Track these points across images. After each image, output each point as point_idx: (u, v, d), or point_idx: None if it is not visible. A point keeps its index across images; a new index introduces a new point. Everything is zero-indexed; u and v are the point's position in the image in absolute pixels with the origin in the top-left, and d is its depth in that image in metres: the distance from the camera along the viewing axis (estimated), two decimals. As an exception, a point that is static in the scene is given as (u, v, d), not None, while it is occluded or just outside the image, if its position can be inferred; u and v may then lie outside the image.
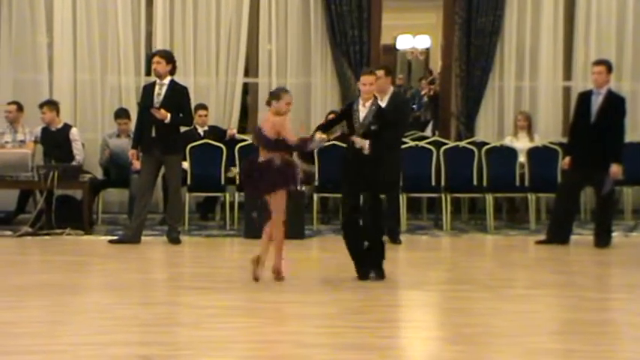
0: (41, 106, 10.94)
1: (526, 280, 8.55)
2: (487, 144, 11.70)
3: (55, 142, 10.87)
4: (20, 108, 11.04)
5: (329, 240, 10.44)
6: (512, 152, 11.46)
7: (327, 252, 9.86)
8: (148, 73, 11.60)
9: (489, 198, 11.17)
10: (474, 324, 6.69)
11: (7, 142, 10.93)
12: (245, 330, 6.47)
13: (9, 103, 11.08)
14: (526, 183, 11.45)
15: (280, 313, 7.03)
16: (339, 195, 11.27)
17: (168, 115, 9.70)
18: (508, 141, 11.84)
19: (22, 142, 10.95)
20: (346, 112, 8.11)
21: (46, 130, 10.92)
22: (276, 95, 7.97)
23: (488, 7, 12.22)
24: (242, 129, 12.65)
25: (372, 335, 6.28)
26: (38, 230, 10.32)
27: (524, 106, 12.36)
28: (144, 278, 8.57)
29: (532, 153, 11.50)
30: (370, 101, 7.96)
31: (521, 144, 11.65)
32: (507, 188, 11.40)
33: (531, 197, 11.26)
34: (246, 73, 12.47)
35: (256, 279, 7.88)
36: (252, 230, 10.23)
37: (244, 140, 11.62)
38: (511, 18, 12.40)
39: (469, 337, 6.29)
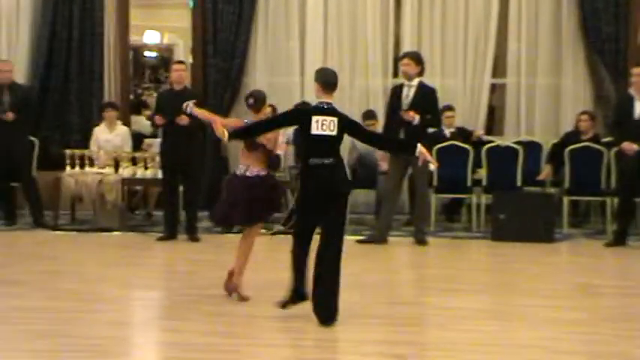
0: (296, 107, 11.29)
1: None
2: None
3: (306, 144, 11.16)
4: (274, 110, 11.42)
5: (580, 244, 10.07)
6: None
7: (578, 256, 9.51)
8: (395, 74, 11.69)
9: None
10: None
11: (261, 144, 11.34)
12: (495, 333, 6.34)
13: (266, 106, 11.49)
14: None
15: (531, 318, 6.82)
16: (590, 197, 10.94)
17: (417, 116, 9.72)
18: None
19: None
20: None
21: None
22: (263, 100, 7.41)
23: None
24: (489, 130, 12.46)
25: (632, 345, 5.97)
26: (290, 229, 10.61)
27: None
28: (390, 278, 8.62)
29: None
30: None
31: None
32: None
33: None
34: (494, 74, 12.27)
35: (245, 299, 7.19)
36: (500, 232, 10.07)
37: (491, 142, 11.44)
38: None
39: None
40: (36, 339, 6.06)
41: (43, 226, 10.82)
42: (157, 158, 10.57)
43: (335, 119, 6.43)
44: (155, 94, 13.13)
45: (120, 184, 10.70)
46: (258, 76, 12.21)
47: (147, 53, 16.71)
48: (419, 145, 6.64)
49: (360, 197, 11.88)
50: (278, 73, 12.31)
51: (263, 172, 7.10)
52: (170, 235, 10.08)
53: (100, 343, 5.99)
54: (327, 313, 6.38)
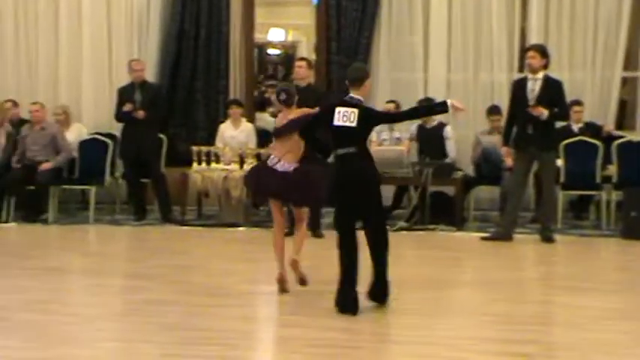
0: (419, 103, 11.20)
1: None
2: None
3: (430, 140, 11.10)
4: (398, 107, 11.39)
5: None
6: None
7: None
8: (520, 69, 11.47)
9: None
10: None
11: (384, 140, 11.34)
12: (627, 335, 6.13)
13: (387, 102, 11.48)
14: None
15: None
16: None
17: (546, 112, 9.51)
18: None
19: (399, 139, 11.30)
20: None
21: (421, 128, 11.18)
22: (294, 95, 7.50)
23: None
24: (619, 125, 12.08)
25: None
26: (413, 225, 10.60)
27: None
28: (516, 276, 8.47)
29: None
30: None
31: None
32: None
33: None
34: (625, 67, 11.89)
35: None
36: (631, 230, 9.79)
37: (622, 137, 11.10)
38: None
39: None
40: (165, 331, 6.21)
41: (172, 221, 11.09)
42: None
43: (356, 111, 6.64)
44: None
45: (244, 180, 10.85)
46: (381, 73, 12.18)
47: (270, 51, 16.91)
48: (448, 100, 6.87)
49: (484, 193, 11.71)
50: (401, 69, 12.24)
51: (294, 165, 7.20)
52: (293, 231, 10.15)
53: (226, 336, 6.10)
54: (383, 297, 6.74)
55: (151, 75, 12.04)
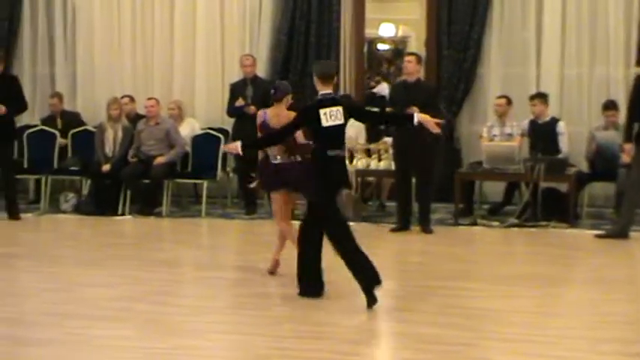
0: (532, 98, 11.06)
1: None
2: None
3: (542, 135, 10.91)
4: (509, 102, 11.25)
5: None
6: None
7: None
8: (639, 63, 11.14)
9: None
10: None
11: (495, 136, 11.20)
12: None
13: (498, 97, 11.33)
14: None
15: None
16: None
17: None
18: None
19: (510, 135, 11.14)
20: None
21: (533, 123, 11.00)
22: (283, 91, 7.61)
23: None
24: None
25: None
26: (524, 222, 10.44)
27: None
28: (631, 274, 8.28)
29: None
30: None
31: None
32: None
33: None
34: None
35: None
36: None
37: None
38: None
39: None
40: (277, 324, 6.30)
41: (282, 215, 11.19)
42: (391, 150, 10.66)
43: (340, 108, 6.82)
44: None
45: (354, 175, 10.89)
46: (493, 67, 12.02)
47: (380, 46, 16.90)
48: (416, 114, 7.09)
49: (598, 190, 11.44)
50: (513, 63, 12.04)
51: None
52: (403, 226, 10.16)
53: (337, 330, 6.15)
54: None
55: (262, 71, 12.18)
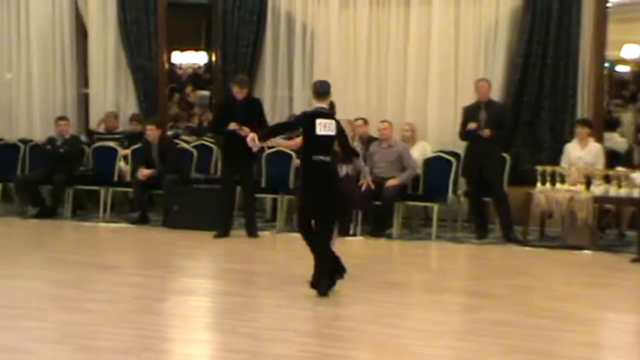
0: None
1: None
2: None
3: None
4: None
5: None
6: None
7: None
8: None
9: None
10: None
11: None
12: None
13: None
14: None
15: None
16: None
17: None
18: None
19: None
20: None
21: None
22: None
23: None
24: None
25: None
26: None
27: None
28: None
29: None
30: None
31: None
32: None
33: None
34: None
35: None
36: None
37: None
38: None
39: None
40: (510, 354, 6.15)
41: (513, 240, 10.98)
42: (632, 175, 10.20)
43: (333, 122, 7.73)
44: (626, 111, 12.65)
45: (591, 201, 10.51)
46: None
47: (618, 67, 16.24)
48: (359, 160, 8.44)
49: None
50: None
51: None
52: (643, 257, 9.65)
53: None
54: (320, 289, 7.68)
55: (496, 94, 12.02)
